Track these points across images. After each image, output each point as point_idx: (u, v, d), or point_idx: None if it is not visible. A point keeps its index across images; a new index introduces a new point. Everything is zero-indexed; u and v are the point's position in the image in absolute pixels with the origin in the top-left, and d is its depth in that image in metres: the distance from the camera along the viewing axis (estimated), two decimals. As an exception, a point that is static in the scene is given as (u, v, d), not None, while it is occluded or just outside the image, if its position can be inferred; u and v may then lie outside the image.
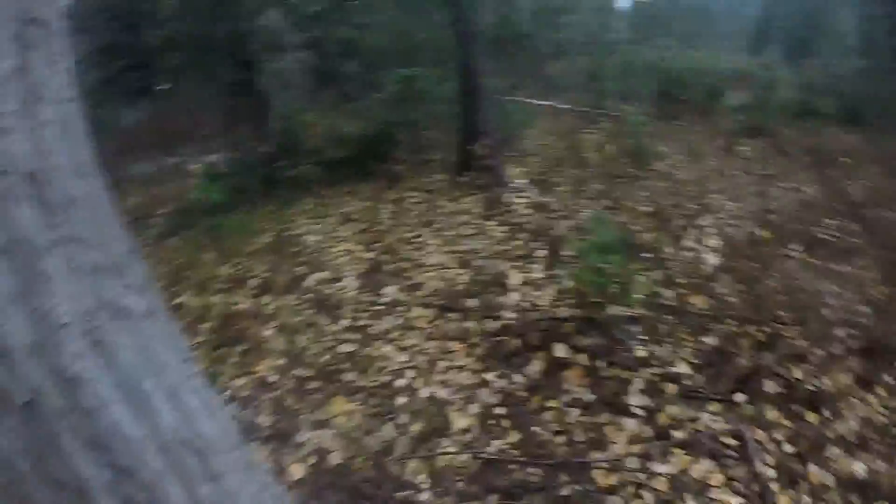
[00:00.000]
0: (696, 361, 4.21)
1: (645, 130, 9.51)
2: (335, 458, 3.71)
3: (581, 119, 12.23)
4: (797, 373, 4.01)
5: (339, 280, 5.65)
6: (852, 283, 5.09)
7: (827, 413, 3.76)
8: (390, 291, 5.34)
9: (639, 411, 3.81)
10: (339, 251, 6.25)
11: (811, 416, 3.73)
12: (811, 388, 3.91)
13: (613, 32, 20.51)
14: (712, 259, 5.67)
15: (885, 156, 10.24)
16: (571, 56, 18.73)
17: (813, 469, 3.41)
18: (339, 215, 7.26)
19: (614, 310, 4.45)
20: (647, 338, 4.42)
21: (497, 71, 13.85)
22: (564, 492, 3.34)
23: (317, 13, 10.92)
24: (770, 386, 3.88)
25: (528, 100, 13.59)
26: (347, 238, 6.59)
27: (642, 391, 3.95)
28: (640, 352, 4.27)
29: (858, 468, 3.42)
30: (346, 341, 4.75)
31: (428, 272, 5.63)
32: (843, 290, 4.91)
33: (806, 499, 3.27)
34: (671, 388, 3.92)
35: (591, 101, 13.34)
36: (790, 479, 3.36)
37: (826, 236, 6.37)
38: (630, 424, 3.73)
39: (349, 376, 4.37)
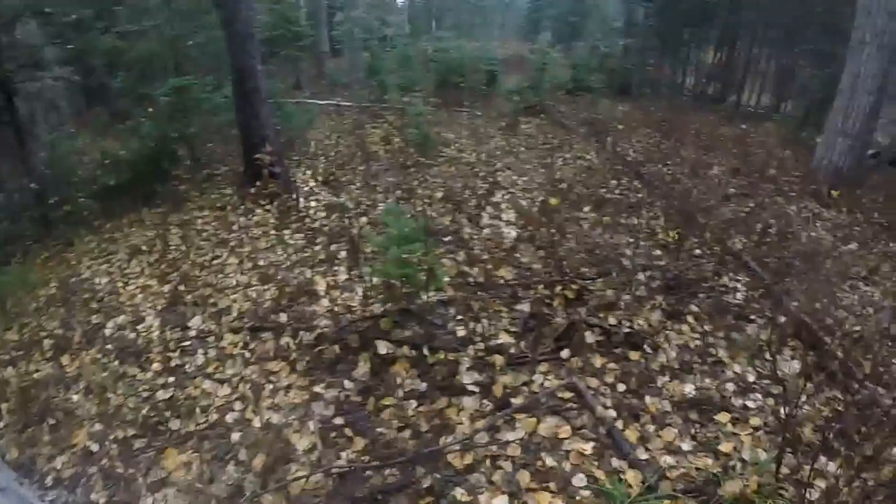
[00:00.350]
0: (515, 329, 4.52)
1: (428, 120, 9.92)
2: None
3: (365, 115, 12.52)
4: (611, 319, 4.45)
5: (139, 321, 5.26)
6: (643, 232, 5.75)
7: (647, 349, 4.22)
8: (196, 323, 5.06)
9: (474, 388, 3.98)
10: (133, 289, 5.82)
11: (634, 355, 4.16)
12: (627, 330, 4.36)
13: (391, 27, 21.10)
14: (511, 232, 6.11)
15: (651, 120, 11.71)
16: (351, 52, 19.05)
17: (649, 400, 3.81)
18: (126, 249, 6.73)
19: (426, 297, 4.64)
20: (463, 317, 4.67)
21: (275, 73, 13.69)
22: (426, 484, 3.38)
23: (77, 22, 9.94)
24: (589, 336, 4.26)
25: (311, 100, 13.64)
26: (140, 273, 6.15)
27: (472, 368, 4.14)
28: (461, 331, 4.50)
29: (689, 389, 3.90)
30: (162, 387, 4.45)
31: (232, 294, 5.40)
32: (637, 239, 5.51)
33: (650, 427, 3.63)
34: (499, 359, 4.14)
35: (374, 96, 13.73)
36: (631, 414, 3.71)
37: (612, 195, 7.13)
38: (469, 402, 3.88)
39: (175, 424, 4.10)
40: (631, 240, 5.60)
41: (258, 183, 7.29)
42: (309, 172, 8.60)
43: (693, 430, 3.62)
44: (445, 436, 3.69)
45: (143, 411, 4.23)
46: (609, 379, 3.98)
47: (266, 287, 5.41)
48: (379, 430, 3.80)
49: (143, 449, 3.97)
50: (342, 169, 8.75)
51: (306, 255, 5.97)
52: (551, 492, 3.27)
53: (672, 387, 3.92)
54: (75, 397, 4.51)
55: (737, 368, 4.11)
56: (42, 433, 4.25)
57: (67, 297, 5.86)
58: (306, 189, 7.86)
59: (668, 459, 3.39)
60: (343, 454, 3.70)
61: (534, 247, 5.64)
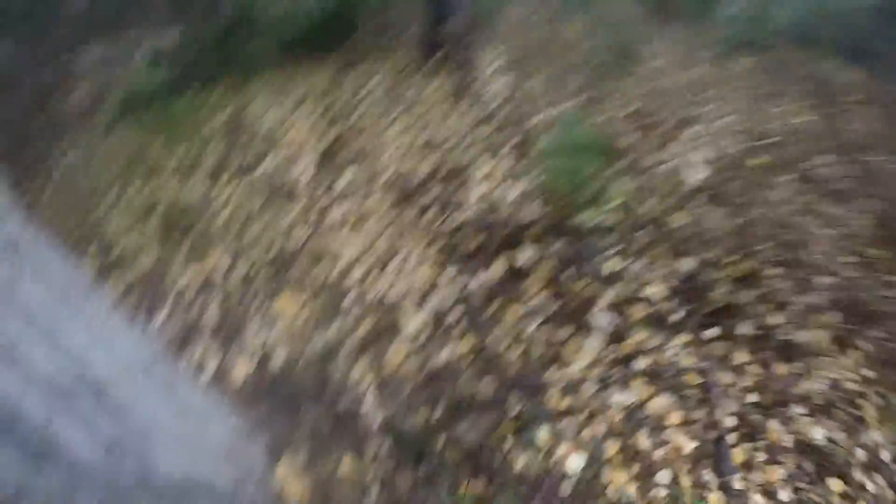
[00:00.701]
0: (669, 285, 4.03)
1: (634, 27, 9.05)
2: (278, 361, 3.62)
3: (564, 5, 11.59)
4: (774, 318, 3.89)
5: (294, 164, 5.29)
6: (843, 228, 4.98)
7: (798, 368, 3.70)
8: (348, 175, 5.04)
9: (602, 332, 3.72)
10: (295, 133, 5.81)
11: (781, 368, 3.67)
12: (786, 337, 3.81)
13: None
14: (696, 175, 5.46)
15: (891, 99, 10.08)
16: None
17: (773, 425, 3.40)
18: (296, 95, 6.67)
19: (586, 216, 4.25)
20: (619, 251, 4.22)
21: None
22: (514, 411, 3.30)
23: None
24: (744, 327, 3.77)
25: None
26: (305, 119, 6.10)
27: (608, 310, 3.83)
28: (611, 266, 4.10)
29: (818, 434, 3.40)
30: (298, 231, 4.53)
31: (388, 158, 5.28)
32: (833, 234, 4.80)
33: (761, 456, 3.28)
34: (639, 311, 3.81)
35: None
36: (748, 432, 3.36)
37: (819, 173, 6.26)
38: (592, 345, 3.65)
39: (299, 270, 4.19)
40: (826, 233, 4.80)
41: (439, 55, 6.95)
42: (494, 53, 7.94)
43: (799, 483, 3.23)
44: (555, 369, 3.53)
45: (274, 250, 4.36)
46: (745, 382, 3.57)
47: (424, 159, 5.24)
48: (490, 338, 3.69)
49: (264, 285, 4.12)
50: (530, 58, 7.97)
51: (472, 138, 5.65)
52: (628, 474, 3.13)
53: (803, 422, 3.45)
54: (218, 222, 4.70)
55: (877, 436, 3.48)
56: (180, 249, 4.50)
57: (233, 129, 5.99)
58: (487, 70, 7.33)
59: (759, 501, 3.10)
60: (446, 349, 3.64)
61: (717, 202, 4.97)
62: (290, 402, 3.45)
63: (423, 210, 4.60)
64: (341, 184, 4.98)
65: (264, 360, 3.65)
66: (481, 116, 6.10)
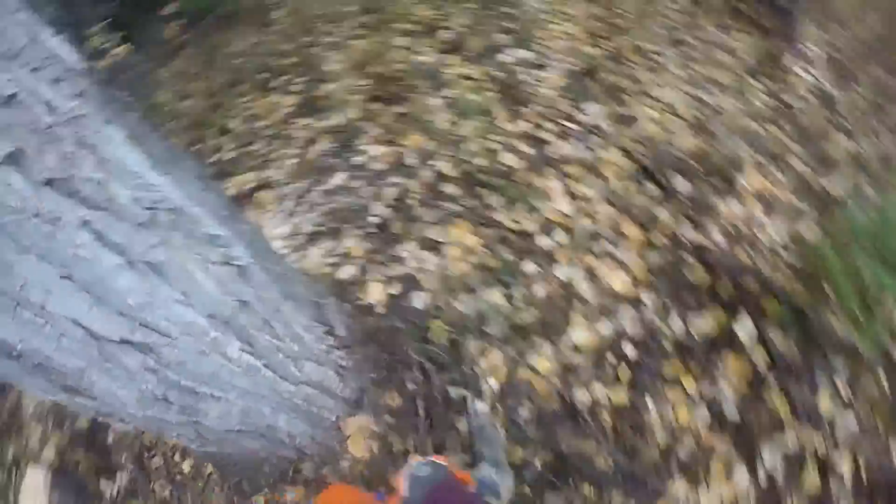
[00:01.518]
0: (863, 470, 2.97)
1: None
2: (417, 301, 3.08)
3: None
4: None
5: (541, 68, 4.42)
6: None
7: None
8: (592, 111, 4.13)
9: (761, 475, 2.89)
10: (558, 31, 4.82)
11: None
12: None
13: None
14: None
15: None
16: None
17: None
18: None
19: (844, 329, 3.10)
20: (847, 395, 3.12)
21: None
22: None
23: None
24: None
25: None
26: (575, 18, 5.02)
27: (786, 458, 2.94)
28: (826, 406, 3.06)
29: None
30: (513, 151, 3.81)
31: (649, 107, 4.26)
32: None
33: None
34: (814, 481, 2.90)
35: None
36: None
37: None
38: (741, 481, 2.87)
39: (492, 200, 3.54)
40: None
41: (758, 6, 5.55)
42: (819, 34, 5.72)
43: None
44: (685, 481, 2.84)
45: (478, 161, 3.71)
46: None
47: (690, 130, 4.15)
48: (645, 403, 2.97)
49: (447, 198, 3.56)
50: (861, 57, 5.76)
51: (759, 129, 4.37)
52: None
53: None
54: (433, 101, 4.11)
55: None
56: (384, 115, 4.04)
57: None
58: (806, 52, 5.43)
59: None
60: (592, 389, 2.98)
61: None
62: (401, 360, 2.95)
63: (660, 200, 3.68)
64: (580, 117, 4.10)
65: (403, 293, 3.12)
66: (778, 107, 4.73)
